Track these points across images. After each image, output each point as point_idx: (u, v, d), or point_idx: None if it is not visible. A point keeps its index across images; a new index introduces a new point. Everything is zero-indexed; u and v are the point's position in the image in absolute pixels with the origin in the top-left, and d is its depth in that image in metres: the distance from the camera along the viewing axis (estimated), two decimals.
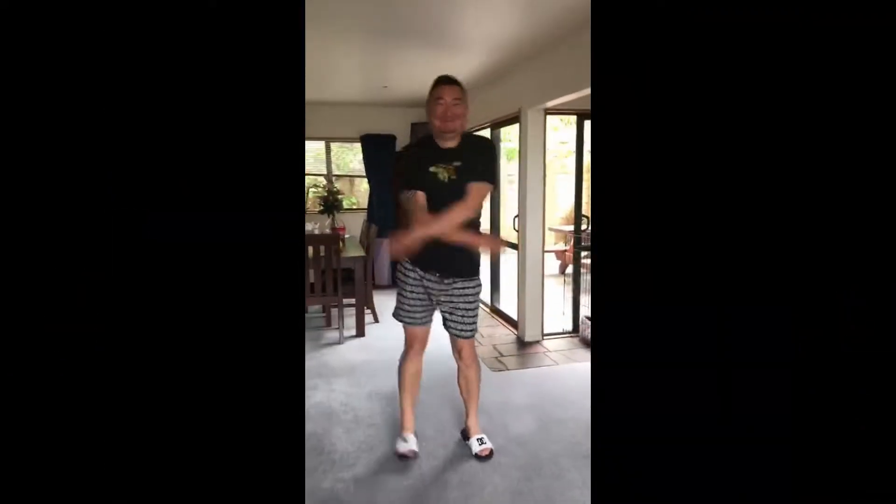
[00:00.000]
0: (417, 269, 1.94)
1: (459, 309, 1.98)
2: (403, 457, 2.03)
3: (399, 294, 2.02)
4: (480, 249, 2.01)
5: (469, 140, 1.95)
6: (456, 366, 2.13)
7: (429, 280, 1.94)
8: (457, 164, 1.85)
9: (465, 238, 1.85)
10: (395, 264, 5.29)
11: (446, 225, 1.78)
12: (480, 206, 1.91)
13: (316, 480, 1.92)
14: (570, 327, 3.76)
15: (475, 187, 1.84)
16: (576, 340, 3.60)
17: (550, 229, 4.80)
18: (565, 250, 5.76)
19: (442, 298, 1.97)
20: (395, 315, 2.06)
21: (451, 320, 2.01)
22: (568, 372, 3.02)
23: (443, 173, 1.85)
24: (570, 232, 5.46)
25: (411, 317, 2.01)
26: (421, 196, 1.86)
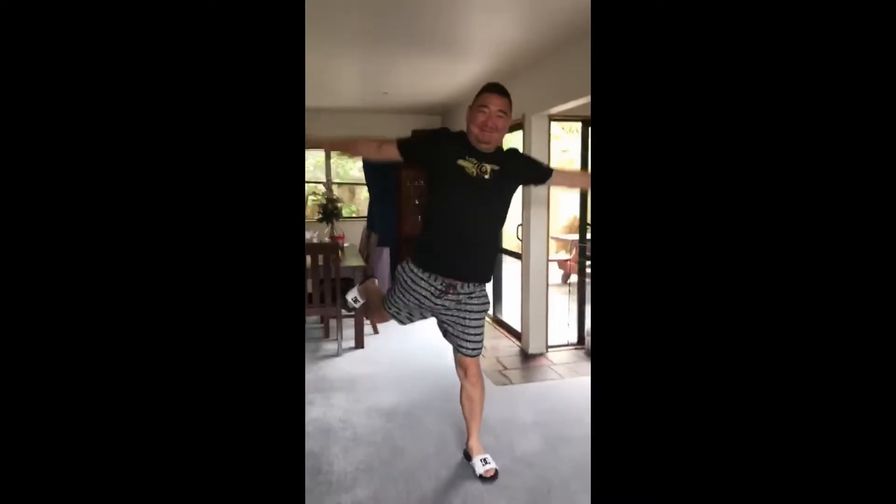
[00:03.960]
0: (422, 280, 1.79)
1: (466, 324, 1.87)
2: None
3: (393, 289, 1.91)
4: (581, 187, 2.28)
5: (504, 151, 1.85)
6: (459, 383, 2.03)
7: (430, 292, 1.80)
8: (494, 167, 1.75)
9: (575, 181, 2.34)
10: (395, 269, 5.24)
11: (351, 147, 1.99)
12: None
13: (313, 503, 1.81)
14: (574, 339, 3.66)
15: (561, 170, 2.07)
16: (581, 352, 3.51)
17: (553, 238, 4.72)
18: (568, 260, 5.68)
19: (443, 312, 1.87)
20: (384, 305, 2.00)
21: (455, 335, 1.90)
22: (574, 386, 2.92)
23: (472, 168, 1.73)
24: (573, 241, 5.39)
25: (397, 313, 1.97)
26: (389, 148, 1.79)
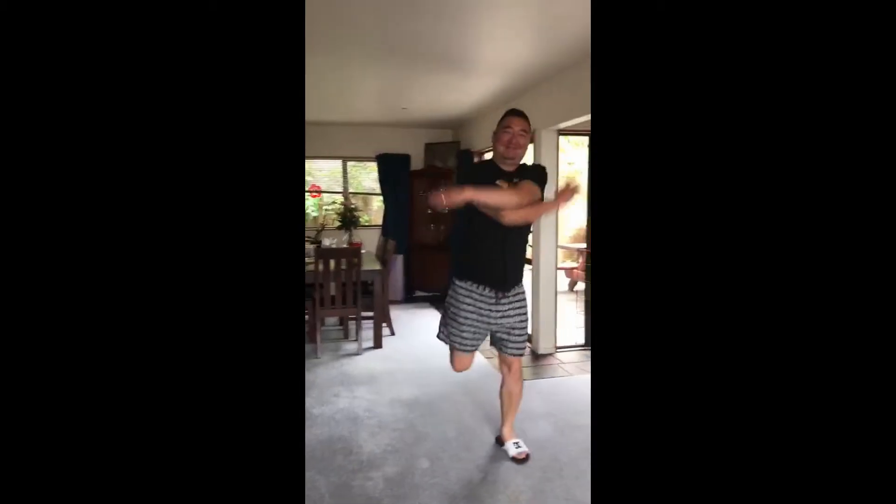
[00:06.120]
0: (474, 291, 2.02)
1: (515, 329, 2.09)
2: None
3: (450, 318, 2.07)
4: (562, 206, 2.03)
5: (525, 166, 2.09)
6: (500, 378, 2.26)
7: (483, 301, 2.01)
8: (515, 180, 1.98)
9: (538, 211, 1.97)
10: (409, 280, 5.45)
11: (491, 197, 1.85)
12: (524, 200, 1.88)
13: (346, 478, 2.01)
14: (582, 340, 3.85)
15: (523, 183, 1.94)
16: (587, 353, 3.70)
17: (560, 247, 4.91)
18: (574, 268, 5.87)
19: (498, 320, 2.05)
20: (443, 337, 2.13)
21: (509, 341, 2.11)
22: (581, 382, 3.11)
23: (506, 187, 1.97)
24: (579, 250, 5.59)
25: (462, 342, 2.06)
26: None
